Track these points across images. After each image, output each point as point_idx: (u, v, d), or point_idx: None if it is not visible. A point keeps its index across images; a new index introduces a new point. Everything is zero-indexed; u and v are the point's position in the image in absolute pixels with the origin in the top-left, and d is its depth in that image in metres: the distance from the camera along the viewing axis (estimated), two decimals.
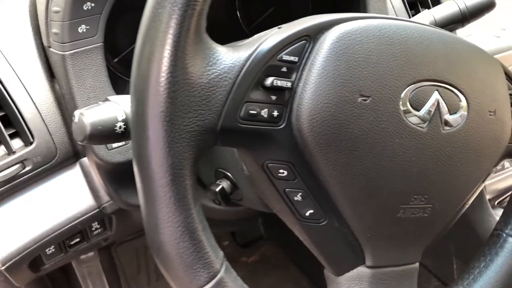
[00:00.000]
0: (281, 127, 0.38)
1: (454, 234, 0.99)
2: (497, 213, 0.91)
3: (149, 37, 0.32)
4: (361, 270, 0.44)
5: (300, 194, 0.40)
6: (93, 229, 0.68)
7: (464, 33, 0.85)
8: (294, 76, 0.38)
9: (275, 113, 0.37)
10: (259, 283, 1.39)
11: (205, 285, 0.35)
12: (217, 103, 0.34)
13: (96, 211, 0.63)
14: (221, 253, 0.37)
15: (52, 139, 0.58)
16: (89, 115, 0.38)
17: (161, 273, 0.37)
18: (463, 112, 0.43)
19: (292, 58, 0.37)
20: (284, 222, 0.44)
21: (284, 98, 0.38)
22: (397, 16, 0.79)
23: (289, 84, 0.37)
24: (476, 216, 0.90)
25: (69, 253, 0.67)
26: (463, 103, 0.44)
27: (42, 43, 0.59)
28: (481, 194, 0.89)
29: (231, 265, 0.38)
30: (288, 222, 0.44)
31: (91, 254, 1.03)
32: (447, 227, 0.49)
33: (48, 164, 0.58)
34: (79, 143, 0.46)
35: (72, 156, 0.60)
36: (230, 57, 0.35)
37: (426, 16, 0.63)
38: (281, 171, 0.39)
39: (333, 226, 0.42)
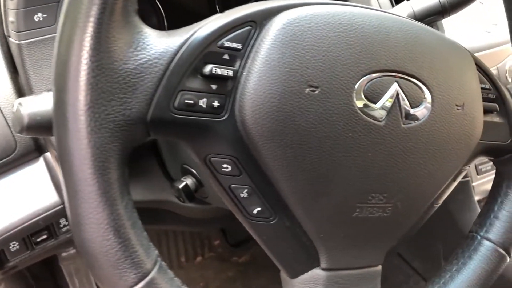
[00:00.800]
0: (223, 118, 0.35)
1: (443, 236, 0.96)
2: None
3: (69, 18, 0.30)
4: (316, 272, 0.41)
5: (246, 190, 0.38)
6: (61, 225, 0.66)
7: (453, 28, 0.82)
8: (237, 64, 0.35)
9: (216, 104, 0.35)
10: (250, 283, 1.37)
11: (134, 285, 0.33)
12: (145, 91, 0.32)
13: (60, 207, 0.61)
14: (154, 252, 0.35)
15: (12, 132, 0.56)
16: (28, 105, 0.36)
17: None
18: (426, 105, 0.41)
19: (235, 45, 0.35)
20: None
21: (227, 87, 0.35)
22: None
23: (231, 73, 0.35)
24: (465, 218, 0.87)
25: (36, 250, 0.65)
26: (427, 96, 0.41)
27: (3, 33, 0.57)
28: (470, 195, 0.86)
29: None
30: (240, 220, 0.41)
31: (72, 251, 1.01)
32: (414, 228, 0.46)
33: (7, 158, 0.56)
34: (17, 134, 0.44)
35: (34, 150, 0.59)
36: (163, 42, 0.33)
37: (405, 8, 0.61)
38: (224, 165, 0.37)
39: (283, 225, 0.39)
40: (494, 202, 0.52)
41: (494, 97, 0.49)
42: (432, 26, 0.81)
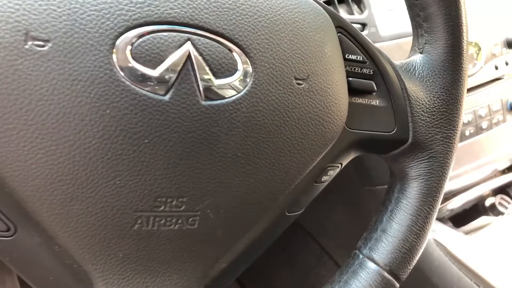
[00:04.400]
0: None
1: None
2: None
3: None
4: None
5: None
6: None
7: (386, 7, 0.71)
8: None
9: None
10: None
11: None
12: None
13: None
14: None
15: None
16: None
17: None
18: (242, 76, 0.29)
19: None
20: None
21: None
22: None
23: None
24: None
25: None
26: (244, 64, 0.29)
27: None
28: None
29: None
30: None
31: None
32: (255, 248, 0.35)
33: None
34: None
35: None
36: None
37: None
38: None
39: (31, 241, 0.28)
40: (384, 211, 0.41)
41: (371, 72, 0.37)
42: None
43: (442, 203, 0.79)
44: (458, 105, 0.39)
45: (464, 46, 0.39)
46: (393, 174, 0.42)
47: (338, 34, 0.36)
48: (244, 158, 0.30)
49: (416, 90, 0.38)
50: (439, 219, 0.76)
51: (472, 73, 0.74)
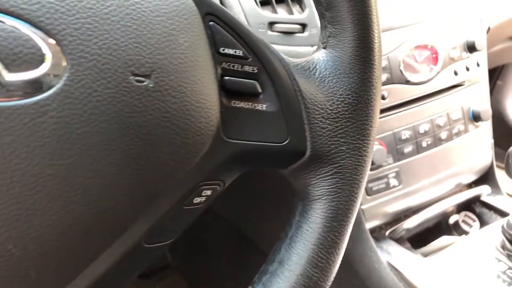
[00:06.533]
0: None
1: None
2: (384, 247, 0.69)
3: None
4: None
5: None
6: None
7: None
8: None
9: None
10: None
11: None
12: None
13: None
14: None
15: None
16: None
17: None
18: (50, 71, 0.23)
19: None
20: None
21: None
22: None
23: None
24: (356, 251, 0.68)
25: None
26: (55, 54, 0.23)
27: None
28: (358, 221, 0.67)
29: None
30: None
31: None
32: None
33: None
34: None
35: None
36: None
37: None
38: None
39: None
40: (284, 238, 0.34)
41: (255, 71, 0.30)
42: None
43: (397, 222, 0.72)
44: (369, 110, 0.33)
45: (375, 39, 0.32)
46: (296, 193, 0.35)
47: (210, 23, 0.29)
48: (59, 177, 0.23)
49: (315, 93, 0.32)
50: (396, 240, 0.69)
51: (428, 79, 0.68)
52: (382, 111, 0.65)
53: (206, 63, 0.28)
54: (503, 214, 0.73)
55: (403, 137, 0.66)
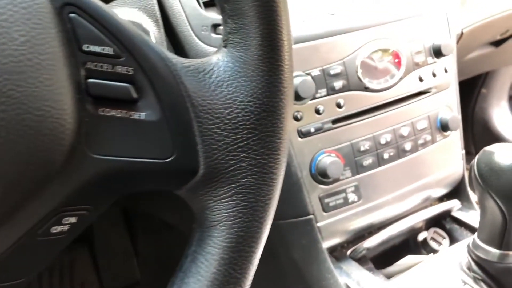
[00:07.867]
0: None
1: None
2: (344, 268, 0.63)
3: None
4: None
5: None
6: None
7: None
8: None
9: None
10: None
11: None
12: None
13: None
14: None
15: None
16: None
17: None
18: None
19: None
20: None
21: None
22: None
23: None
24: (312, 271, 0.62)
25: None
26: None
27: None
28: (315, 239, 0.61)
29: None
30: None
31: None
32: None
33: None
34: None
35: None
36: None
37: None
38: None
39: None
40: (178, 271, 0.29)
41: (130, 72, 0.25)
42: None
43: (360, 240, 0.67)
44: (275, 120, 0.28)
45: (282, 35, 0.27)
46: (195, 218, 0.29)
47: (71, 14, 0.24)
48: None
49: (209, 99, 0.27)
50: (357, 260, 0.64)
51: (389, 86, 0.63)
52: (338, 120, 0.60)
53: (59, 62, 0.23)
54: (474, 230, 0.68)
55: (362, 148, 0.61)
